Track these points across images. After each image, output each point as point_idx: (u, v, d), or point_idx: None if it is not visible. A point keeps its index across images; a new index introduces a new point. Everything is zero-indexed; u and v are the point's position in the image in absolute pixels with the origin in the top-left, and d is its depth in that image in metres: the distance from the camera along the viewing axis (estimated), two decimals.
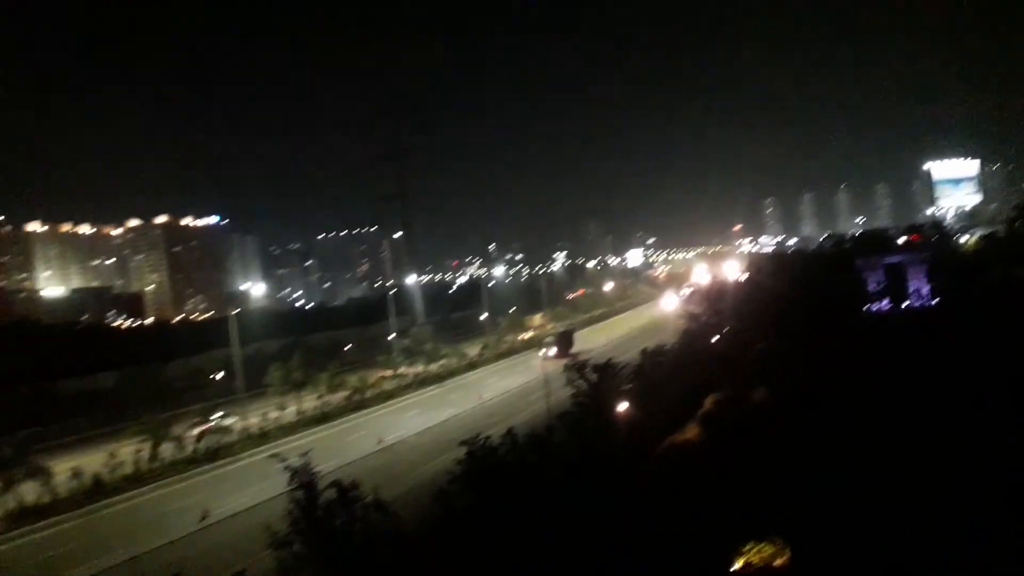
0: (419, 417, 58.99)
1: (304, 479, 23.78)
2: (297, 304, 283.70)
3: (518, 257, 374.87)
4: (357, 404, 66.02)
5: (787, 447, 30.63)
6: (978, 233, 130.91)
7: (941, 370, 36.03)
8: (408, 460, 44.84)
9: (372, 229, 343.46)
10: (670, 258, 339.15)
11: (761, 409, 39.70)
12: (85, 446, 57.93)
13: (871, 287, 71.16)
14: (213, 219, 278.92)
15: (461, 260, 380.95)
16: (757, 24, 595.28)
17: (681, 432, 40.10)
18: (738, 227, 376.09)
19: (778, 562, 22.16)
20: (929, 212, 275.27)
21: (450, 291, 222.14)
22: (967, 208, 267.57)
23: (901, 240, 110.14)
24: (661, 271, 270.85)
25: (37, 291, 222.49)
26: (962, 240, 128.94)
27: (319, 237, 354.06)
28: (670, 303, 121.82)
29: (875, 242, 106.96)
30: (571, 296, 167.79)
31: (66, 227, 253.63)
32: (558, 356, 76.88)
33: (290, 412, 61.55)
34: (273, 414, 60.04)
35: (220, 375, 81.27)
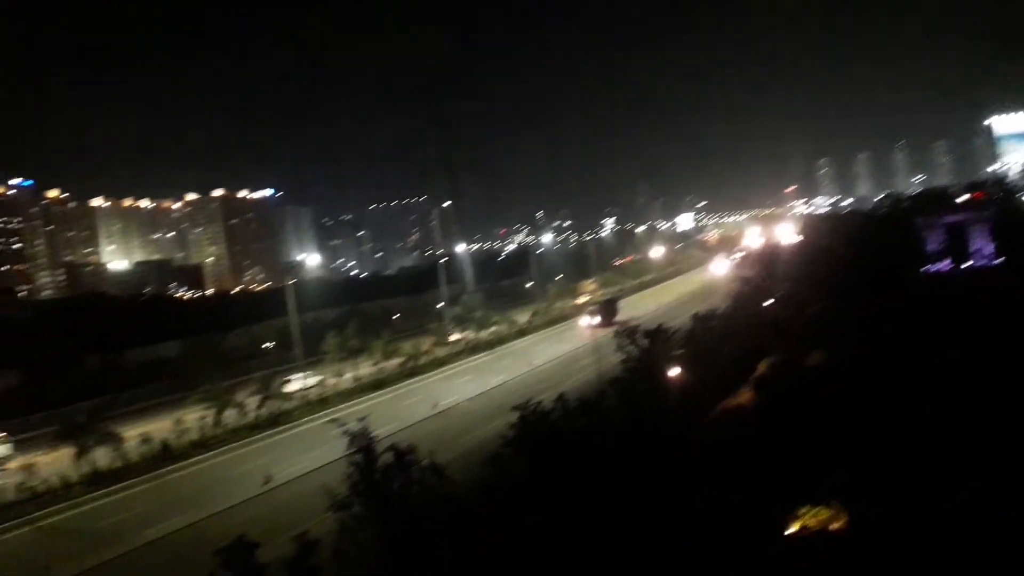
0: (471, 383, 59.75)
1: (362, 443, 24.29)
2: (351, 274, 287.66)
3: (566, 224, 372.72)
4: (411, 370, 67.24)
5: (843, 410, 30.32)
6: None
7: (1004, 331, 35.05)
8: (461, 425, 45.59)
9: (421, 199, 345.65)
10: (721, 222, 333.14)
11: (816, 372, 39.23)
12: (152, 413, 60.34)
13: (930, 247, 69.15)
14: (267, 192, 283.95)
15: (509, 228, 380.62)
16: None
17: (734, 397, 39.90)
18: (791, 188, 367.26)
19: (835, 526, 22.08)
20: (992, 169, 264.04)
21: (499, 259, 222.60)
22: None
23: (962, 198, 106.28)
24: (712, 235, 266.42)
25: (103, 264, 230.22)
26: None
27: (370, 208, 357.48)
28: (721, 267, 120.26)
29: (934, 201, 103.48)
30: (620, 262, 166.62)
31: (128, 202, 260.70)
32: (602, 325, 76.47)
33: (347, 378, 63.05)
34: (331, 380, 61.60)
35: (271, 345, 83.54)
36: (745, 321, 52.80)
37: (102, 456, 43.42)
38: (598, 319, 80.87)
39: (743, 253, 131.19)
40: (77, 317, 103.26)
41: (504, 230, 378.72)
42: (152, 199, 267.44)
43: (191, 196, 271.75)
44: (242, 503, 35.88)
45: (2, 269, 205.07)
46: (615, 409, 34.89)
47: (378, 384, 63.14)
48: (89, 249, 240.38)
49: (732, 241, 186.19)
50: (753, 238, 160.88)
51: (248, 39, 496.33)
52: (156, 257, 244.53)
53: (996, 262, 66.02)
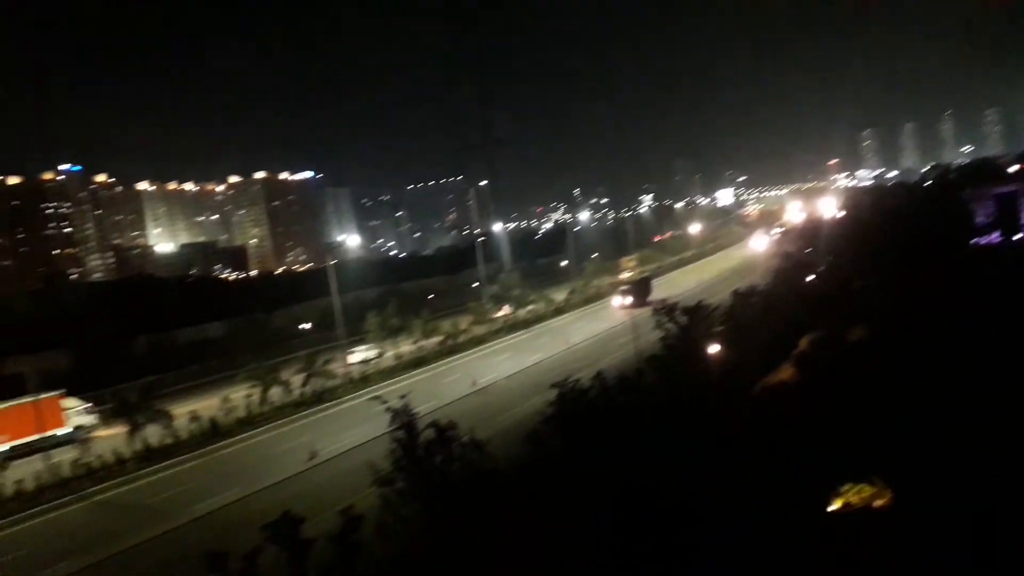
0: (509, 361, 60.08)
1: (404, 420, 24.70)
2: (390, 254, 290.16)
3: (603, 201, 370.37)
4: (450, 349, 67.84)
5: (887, 386, 29.87)
6: None
7: None
8: (500, 402, 45.92)
9: (458, 178, 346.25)
10: (762, 196, 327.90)
11: (859, 348, 38.63)
12: (200, 392, 61.94)
13: (979, 219, 67.32)
14: (308, 173, 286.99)
15: (546, 206, 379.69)
16: None
17: (775, 373, 39.52)
18: (834, 162, 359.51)
19: (878, 503, 21.87)
20: None
21: (535, 237, 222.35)
22: None
23: (1013, 168, 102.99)
24: (753, 210, 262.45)
25: (150, 247, 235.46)
26: None
27: (408, 188, 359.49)
28: (761, 243, 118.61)
29: (983, 172, 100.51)
30: (658, 238, 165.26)
31: (172, 185, 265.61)
32: (634, 305, 75.21)
33: (388, 357, 63.84)
34: (375, 357, 62.55)
35: (308, 326, 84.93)
36: (786, 297, 52.13)
37: (153, 434, 44.74)
38: (630, 299, 79.28)
39: (784, 228, 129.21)
40: (126, 299, 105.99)
41: (540, 208, 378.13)
42: (196, 182, 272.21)
43: (234, 179, 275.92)
44: (288, 479, 36.65)
45: (54, 253, 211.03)
46: (654, 387, 34.82)
47: (418, 362, 63.86)
48: (136, 232, 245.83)
49: (773, 216, 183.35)
50: (794, 213, 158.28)
51: (287, 21, 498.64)
52: (201, 239, 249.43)
53: None
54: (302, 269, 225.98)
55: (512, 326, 77.79)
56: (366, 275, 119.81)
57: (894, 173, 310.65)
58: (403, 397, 25.93)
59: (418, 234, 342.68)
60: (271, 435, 47.56)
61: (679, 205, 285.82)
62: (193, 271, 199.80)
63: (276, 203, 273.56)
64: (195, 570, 18.28)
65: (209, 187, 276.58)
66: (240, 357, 67.64)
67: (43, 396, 50.54)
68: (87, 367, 63.53)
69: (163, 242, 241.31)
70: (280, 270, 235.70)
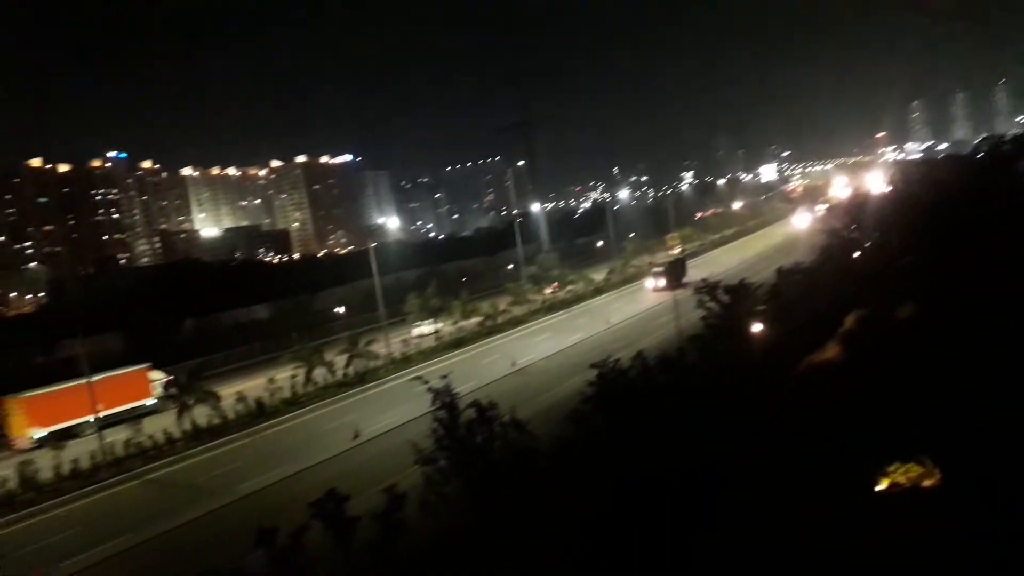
0: (549, 341, 60.13)
1: (446, 400, 24.89)
2: (429, 235, 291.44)
3: (643, 179, 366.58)
4: (489, 329, 68.11)
5: (937, 365, 29.17)
6: None
7: None
8: (539, 382, 46.03)
9: (496, 159, 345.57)
10: (807, 171, 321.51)
11: (907, 326, 37.75)
12: (246, 373, 63.28)
13: None
14: (347, 157, 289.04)
15: (585, 185, 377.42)
16: None
17: (820, 352, 38.85)
18: (881, 135, 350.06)
19: (927, 483, 21.47)
20: None
21: (574, 217, 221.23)
22: None
23: None
24: (797, 185, 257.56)
25: (195, 232, 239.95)
26: None
27: (447, 169, 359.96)
28: (805, 220, 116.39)
29: None
30: (700, 215, 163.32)
31: (215, 171, 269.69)
32: (668, 287, 73.78)
33: (428, 338, 64.37)
34: (414, 339, 63.13)
35: (342, 310, 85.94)
36: (832, 274, 51.10)
37: (201, 414, 45.80)
38: (663, 282, 77.42)
39: (829, 204, 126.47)
40: (173, 283, 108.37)
41: (579, 187, 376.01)
42: (238, 167, 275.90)
43: (275, 163, 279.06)
44: (332, 458, 37.30)
45: (104, 238, 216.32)
46: (695, 366, 34.52)
47: (458, 343, 64.30)
48: (182, 217, 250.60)
49: (818, 191, 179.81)
50: (840, 188, 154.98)
51: (324, 4, 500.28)
52: (244, 224, 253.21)
53: None
54: (343, 252, 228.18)
55: (551, 306, 77.78)
56: (406, 257, 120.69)
57: (944, 145, 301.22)
58: (444, 377, 26.10)
59: (456, 216, 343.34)
60: (315, 415, 48.37)
61: (721, 182, 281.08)
62: (237, 255, 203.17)
63: (317, 187, 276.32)
64: (244, 546, 18.69)
65: (251, 172, 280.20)
66: (284, 339, 68.87)
67: (133, 368, 55.00)
68: (137, 350, 65.18)
69: (208, 227, 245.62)
70: (322, 253, 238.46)
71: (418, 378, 27.32)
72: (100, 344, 65.72)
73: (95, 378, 49.67)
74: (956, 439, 22.21)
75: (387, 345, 60.71)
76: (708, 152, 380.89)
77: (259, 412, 47.73)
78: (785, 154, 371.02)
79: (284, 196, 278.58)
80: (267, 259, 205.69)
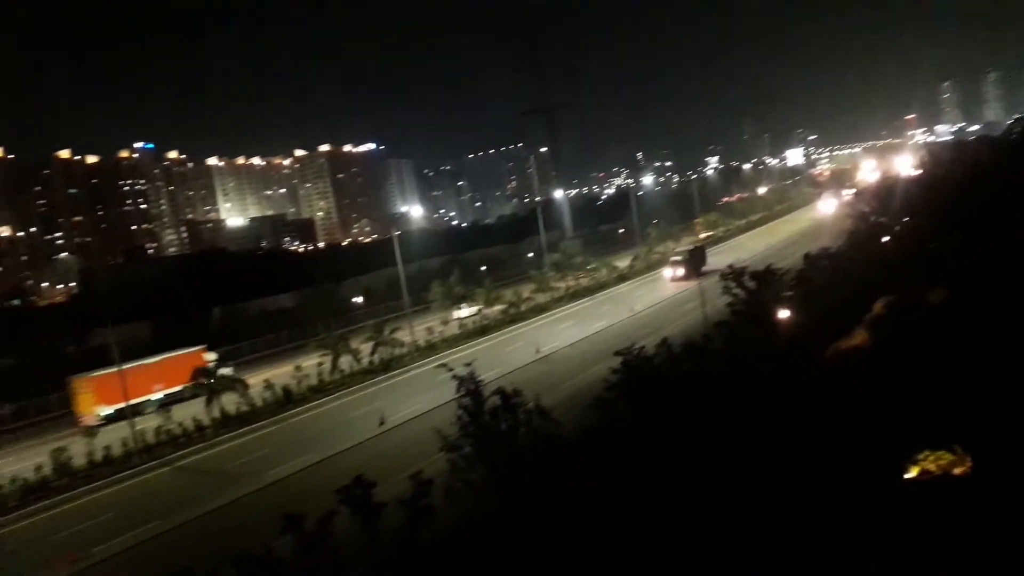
0: (572, 329, 59.98)
1: (470, 387, 24.92)
2: (452, 223, 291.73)
3: (667, 164, 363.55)
4: (513, 317, 68.11)
5: (967, 351, 28.70)
6: None
7: None
8: (563, 370, 45.94)
9: (519, 146, 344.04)
10: (834, 154, 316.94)
11: (937, 311, 37.16)
12: (273, 361, 63.94)
13: None
14: (370, 145, 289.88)
15: (608, 171, 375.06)
16: None
17: (848, 338, 38.39)
18: (910, 117, 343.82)
19: (957, 470, 21.18)
20: None
21: (597, 203, 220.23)
22: None
23: None
24: (824, 169, 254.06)
25: (221, 221, 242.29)
26: None
27: (469, 157, 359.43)
28: (832, 204, 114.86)
29: None
30: (726, 200, 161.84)
31: (241, 160, 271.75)
32: (686, 277, 72.79)
33: (452, 325, 64.56)
34: (438, 327, 63.35)
35: (360, 300, 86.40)
36: (860, 260, 50.40)
37: (229, 401, 46.33)
38: (682, 271, 75.85)
39: (857, 188, 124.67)
40: (200, 272, 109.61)
41: (603, 174, 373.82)
42: (263, 157, 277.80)
43: (299, 152, 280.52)
44: (358, 445, 37.58)
45: (132, 228, 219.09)
46: (721, 353, 34.25)
47: (482, 331, 64.39)
48: (208, 207, 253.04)
49: (845, 175, 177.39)
50: (868, 171, 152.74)
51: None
52: (269, 213, 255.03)
53: None
54: (368, 240, 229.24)
55: (574, 294, 77.56)
56: (429, 245, 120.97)
57: (976, 127, 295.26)
58: (468, 365, 26.11)
59: (479, 203, 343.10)
60: (342, 402, 48.77)
61: (747, 166, 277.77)
62: (263, 244, 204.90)
63: (341, 175, 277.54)
64: (272, 532, 18.89)
65: (276, 161, 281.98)
66: (310, 327, 69.46)
67: (189, 350, 57.54)
68: (166, 338, 66.05)
69: (233, 216, 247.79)
70: (347, 242, 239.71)
71: (443, 365, 27.37)
72: (129, 333, 66.75)
73: (155, 359, 53.49)
74: (987, 426, 21.87)
75: (411, 333, 60.95)
76: (733, 136, 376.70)
77: (286, 399, 48.19)
78: (812, 137, 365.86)
79: (309, 185, 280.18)
80: (292, 248, 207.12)
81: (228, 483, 35.13)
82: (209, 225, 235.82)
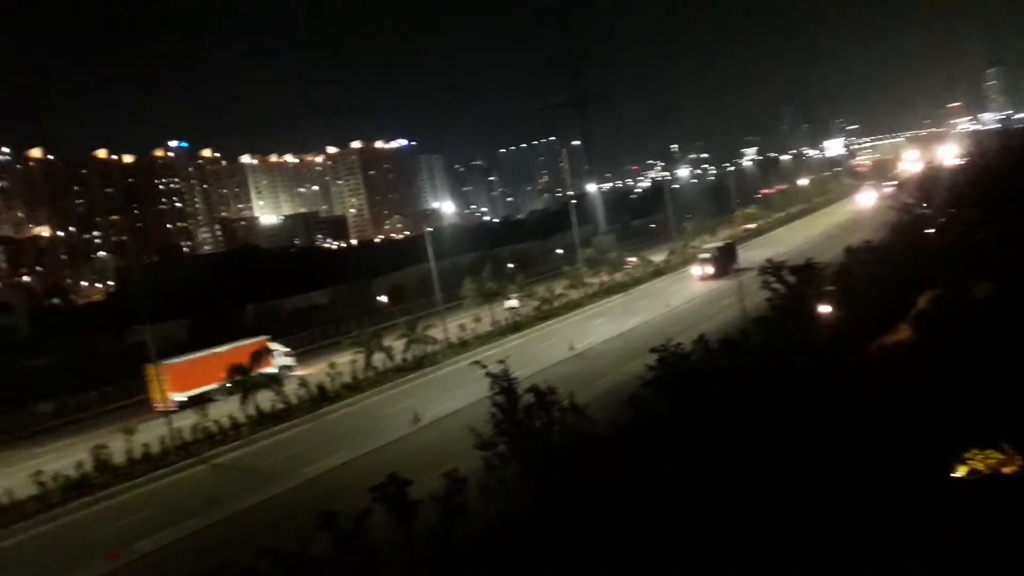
0: (607, 325, 59.42)
1: (504, 384, 24.68)
2: (484, 219, 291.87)
3: (702, 156, 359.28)
4: (546, 313, 67.69)
5: (1015, 347, 27.77)
6: None
7: None
8: (598, 367, 45.49)
9: (550, 139, 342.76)
10: (875, 145, 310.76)
11: (984, 306, 36.07)
12: (307, 358, 64.22)
13: None
14: (401, 141, 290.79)
15: (641, 164, 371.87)
16: None
17: (892, 333, 37.46)
18: (954, 105, 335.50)
19: (1007, 469, 20.50)
20: None
21: (631, 197, 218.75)
22: None
23: None
24: (865, 160, 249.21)
25: (254, 219, 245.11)
26: None
27: (500, 151, 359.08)
28: (872, 196, 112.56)
29: None
30: (765, 192, 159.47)
31: (273, 158, 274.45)
32: (716, 276, 71.14)
33: (485, 322, 64.33)
34: (470, 324, 63.17)
35: (384, 299, 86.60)
36: (903, 253, 49.24)
37: (264, 399, 46.61)
38: (711, 269, 73.65)
39: (899, 180, 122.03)
40: (234, 270, 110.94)
41: (636, 167, 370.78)
42: (295, 154, 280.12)
43: (331, 149, 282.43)
44: (392, 442, 37.51)
45: (167, 227, 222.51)
46: (759, 349, 33.64)
47: (515, 327, 64.10)
48: (241, 205, 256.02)
49: (887, 166, 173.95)
50: (911, 161, 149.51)
51: None
52: (302, 210, 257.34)
53: None
54: (400, 236, 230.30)
55: (609, 289, 76.87)
56: (460, 241, 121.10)
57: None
58: (501, 362, 25.89)
59: (510, 198, 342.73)
60: (376, 399, 48.82)
61: (785, 157, 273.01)
62: (296, 241, 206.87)
63: (372, 172, 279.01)
64: (308, 530, 18.87)
65: (308, 158, 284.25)
66: (343, 324, 69.76)
67: (255, 340, 59.67)
68: (201, 335, 66.79)
69: (267, 213, 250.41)
70: (379, 238, 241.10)
71: (476, 363, 27.18)
72: (166, 331, 67.62)
73: (224, 348, 56.02)
74: None
75: (444, 330, 60.86)
76: (770, 127, 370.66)
77: (321, 397, 48.32)
78: (852, 127, 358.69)
79: (341, 182, 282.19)
80: (325, 245, 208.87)
81: (264, 480, 35.30)
82: (243, 223, 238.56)
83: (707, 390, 27.29)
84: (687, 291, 69.56)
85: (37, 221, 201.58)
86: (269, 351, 58.30)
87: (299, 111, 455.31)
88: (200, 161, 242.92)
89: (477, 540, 21.49)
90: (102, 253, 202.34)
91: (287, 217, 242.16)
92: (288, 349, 61.34)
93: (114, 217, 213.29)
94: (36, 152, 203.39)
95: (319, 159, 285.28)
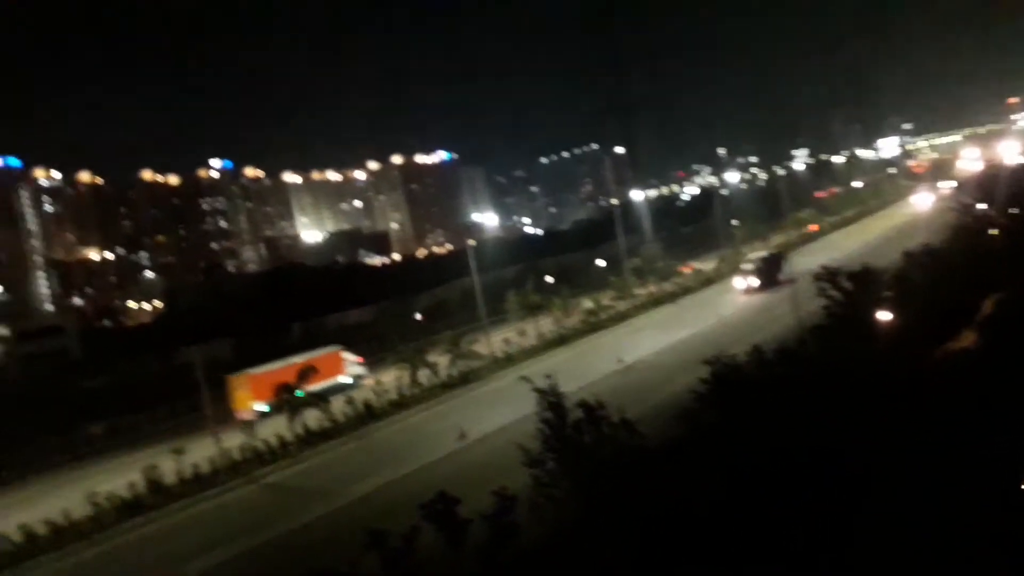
0: (656, 336, 58.15)
1: (551, 400, 24.20)
2: (527, 230, 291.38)
3: (751, 160, 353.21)
4: (593, 325, 66.78)
5: None
6: None
7: None
8: (648, 380, 44.46)
9: (593, 147, 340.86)
10: (932, 143, 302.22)
11: None
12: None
13: None
14: (442, 154, 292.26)
15: (688, 170, 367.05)
16: None
17: (956, 340, 35.93)
18: (1015, 100, 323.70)
19: None
20: None
21: (677, 204, 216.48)
22: None
23: None
24: (921, 160, 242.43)
25: (298, 236, 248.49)
26: None
27: (541, 161, 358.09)
28: (929, 197, 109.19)
29: None
30: (819, 194, 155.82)
31: (316, 175, 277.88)
32: (761, 288, 68.46)
33: (530, 336, 63.73)
34: (515, 338, 62.64)
35: (419, 316, 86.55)
36: (965, 256, 47.30)
37: (311, 417, 46.64)
38: (755, 281, 69.82)
39: (958, 179, 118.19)
40: (279, 288, 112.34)
41: (682, 172, 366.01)
42: (337, 170, 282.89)
43: (372, 165, 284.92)
44: (439, 459, 37.08)
45: (211, 246, 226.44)
46: (815, 358, 32.56)
47: (560, 340, 63.27)
48: (285, 222, 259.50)
49: (945, 165, 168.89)
50: (970, 160, 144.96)
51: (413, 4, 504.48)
52: (345, 226, 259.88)
53: None
54: (443, 251, 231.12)
55: (657, 300, 75.51)
56: (503, 254, 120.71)
57: None
58: (548, 377, 25.40)
59: (554, 209, 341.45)
60: (422, 416, 48.56)
61: (837, 159, 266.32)
62: (339, 258, 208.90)
63: (414, 186, 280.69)
64: (357, 549, 18.60)
65: (350, 174, 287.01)
66: (388, 340, 69.91)
67: (328, 349, 63.38)
68: (246, 355, 67.47)
69: (310, 231, 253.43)
70: (422, 253, 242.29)
71: (523, 378, 26.71)
72: (213, 351, 68.53)
73: (300, 358, 58.69)
74: None
75: (488, 345, 60.43)
76: (821, 129, 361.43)
77: (367, 414, 48.21)
78: (907, 126, 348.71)
79: (383, 197, 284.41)
80: (368, 261, 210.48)
81: (313, 499, 35.17)
82: (286, 241, 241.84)
83: (762, 401, 26.47)
84: (738, 300, 67.90)
85: (86, 243, 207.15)
86: (343, 360, 61.22)
87: (339, 125, 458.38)
88: (244, 180, 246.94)
89: (526, 557, 20.95)
90: (149, 274, 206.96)
91: (331, 234, 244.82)
92: (359, 359, 63.68)
93: (160, 238, 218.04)
94: (85, 176, 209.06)
95: (361, 176, 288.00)
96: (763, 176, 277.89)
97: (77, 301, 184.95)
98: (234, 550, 30.29)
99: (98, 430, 58.43)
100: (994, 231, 53.95)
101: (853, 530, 18.62)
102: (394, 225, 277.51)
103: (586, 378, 44.12)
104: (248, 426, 47.63)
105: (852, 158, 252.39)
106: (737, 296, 70.05)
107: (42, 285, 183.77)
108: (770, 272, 70.64)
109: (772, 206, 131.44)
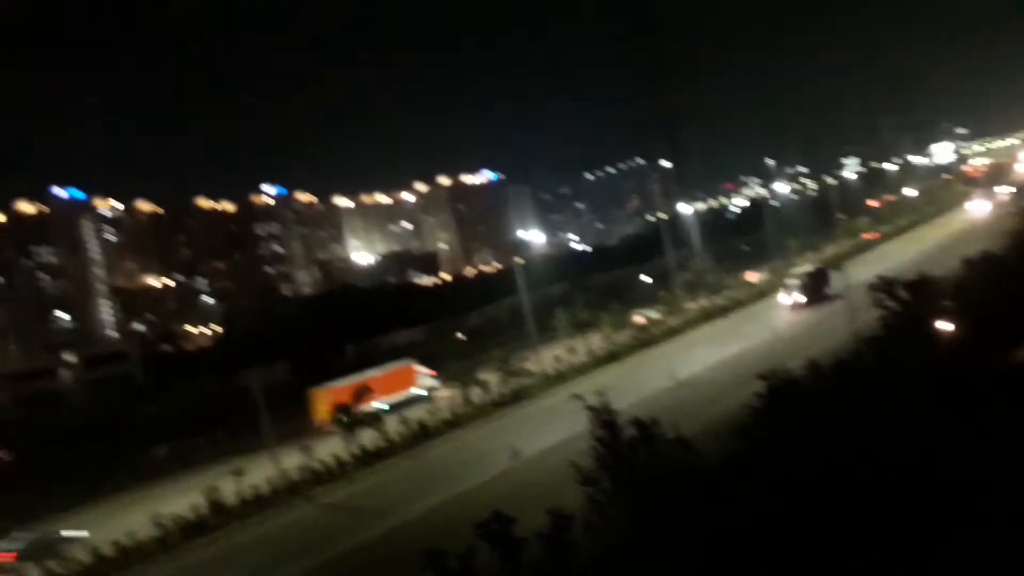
0: (709, 351, 57.38)
1: (604, 417, 24.12)
2: (574, 247, 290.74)
3: (800, 170, 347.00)
4: (644, 342, 66.30)
5: None
6: None
7: None
8: (702, 396, 43.92)
9: (639, 161, 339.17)
10: (988, 148, 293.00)
11: None
12: None
13: None
14: (488, 174, 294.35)
15: (736, 181, 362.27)
16: None
17: (1021, 349, 34.81)
18: None
19: None
20: None
21: (727, 216, 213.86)
22: None
23: None
24: (977, 165, 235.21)
25: (350, 259, 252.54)
26: None
27: (587, 176, 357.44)
28: (986, 203, 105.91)
29: None
30: (871, 202, 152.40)
31: (366, 199, 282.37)
32: (808, 304, 66.18)
33: (580, 353, 63.56)
34: (564, 355, 62.55)
35: (462, 336, 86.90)
36: None
37: (367, 437, 47.26)
38: (801, 297, 67.43)
39: (1016, 184, 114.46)
40: (333, 310, 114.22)
41: (731, 184, 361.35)
42: (386, 191, 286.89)
43: (420, 186, 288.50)
44: (493, 478, 37.17)
45: (266, 271, 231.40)
46: (873, 370, 31.85)
47: (611, 357, 62.93)
48: (337, 246, 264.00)
49: (1002, 169, 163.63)
50: None
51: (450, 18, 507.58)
52: (395, 248, 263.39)
53: None
54: (491, 271, 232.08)
55: (709, 314, 74.58)
56: (550, 271, 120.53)
57: None
58: (600, 394, 25.35)
59: (600, 225, 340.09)
60: (474, 435, 48.81)
61: (889, 167, 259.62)
62: (390, 279, 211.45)
63: (461, 206, 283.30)
64: (414, 569, 18.78)
65: (399, 197, 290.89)
66: (439, 360, 70.45)
67: (402, 363, 66.59)
68: (304, 376, 68.68)
69: (361, 253, 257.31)
70: (473, 273, 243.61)
71: (575, 396, 26.71)
72: (270, 373, 69.98)
73: (376, 371, 61.74)
74: None
75: (539, 362, 60.45)
76: (872, 136, 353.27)
77: (422, 433, 48.67)
78: (962, 131, 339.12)
79: (431, 219, 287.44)
80: (418, 282, 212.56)
81: (369, 519, 35.64)
82: (339, 264, 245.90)
83: (819, 415, 26.02)
84: (791, 313, 66.76)
85: (147, 270, 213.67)
86: (416, 373, 63.61)
87: (386, 148, 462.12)
88: (296, 205, 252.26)
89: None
90: (207, 299, 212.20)
91: (383, 257, 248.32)
92: (432, 372, 65.06)
93: (217, 263, 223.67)
94: (144, 205, 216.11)
95: (410, 197, 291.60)
96: (813, 186, 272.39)
97: (139, 327, 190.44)
98: (295, 570, 30.83)
99: (161, 452, 60.04)
100: None
101: (918, 546, 18.16)
102: (443, 245, 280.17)
103: (638, 394, 43.85)
104: (330, 434, 49.85)
105: (905, 165, 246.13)
106: (788, 310, 68.76)
107: (105, 312, 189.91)
108: (816, 287, 68.33)
109: (823, 216, 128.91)
